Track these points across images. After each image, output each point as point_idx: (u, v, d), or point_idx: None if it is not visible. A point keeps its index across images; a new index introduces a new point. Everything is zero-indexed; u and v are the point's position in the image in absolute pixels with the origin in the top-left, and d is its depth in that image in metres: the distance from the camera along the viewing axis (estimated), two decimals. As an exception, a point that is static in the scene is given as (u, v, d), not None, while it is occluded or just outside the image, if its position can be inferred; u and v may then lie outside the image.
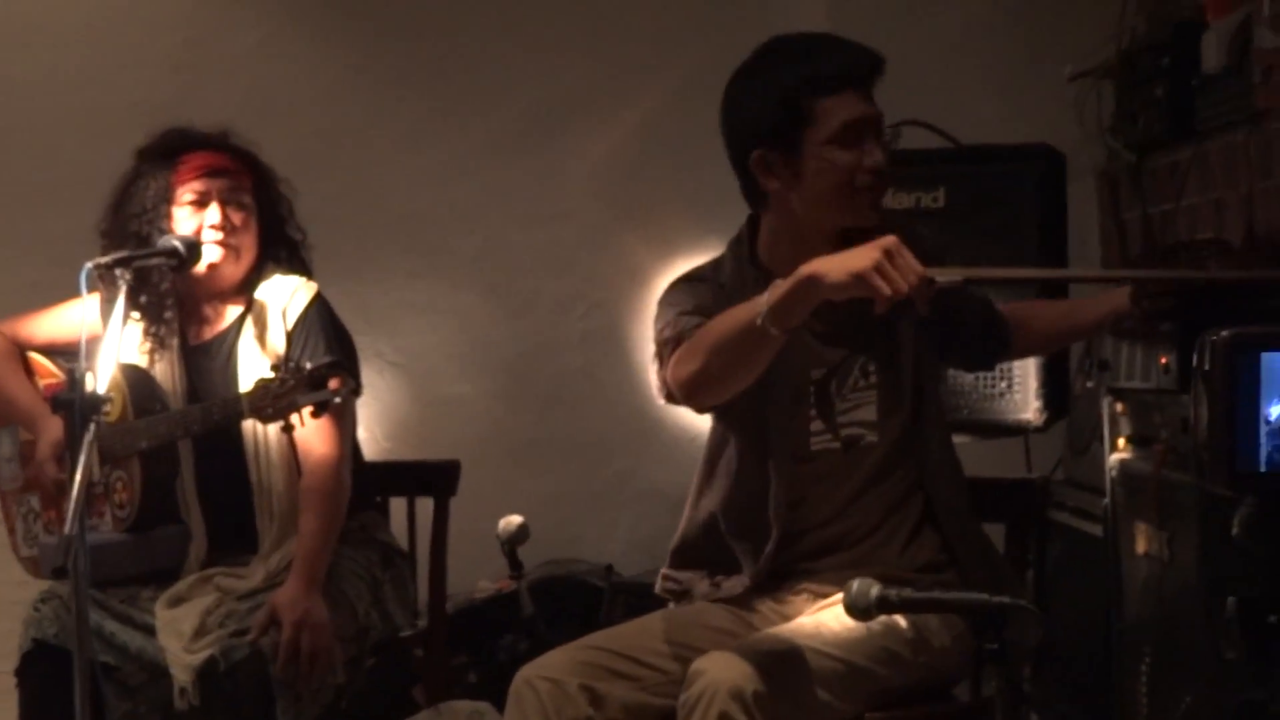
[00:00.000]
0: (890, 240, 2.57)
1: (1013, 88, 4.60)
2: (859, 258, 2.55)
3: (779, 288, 2.61)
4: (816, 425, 2.92)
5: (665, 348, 2.83)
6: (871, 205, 2.85)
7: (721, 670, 2.62)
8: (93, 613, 3.11)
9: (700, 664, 2.66)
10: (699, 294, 2.89)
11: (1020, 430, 3.71)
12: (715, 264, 2.99)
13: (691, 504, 3.03)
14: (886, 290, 2.53)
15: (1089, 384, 3.69)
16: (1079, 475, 3.93)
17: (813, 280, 2.57)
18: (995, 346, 3.07)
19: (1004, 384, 3.61)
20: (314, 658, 3.19)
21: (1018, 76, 4.62)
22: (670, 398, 2.83)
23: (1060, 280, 3.08)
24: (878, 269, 2.53)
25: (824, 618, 2.80)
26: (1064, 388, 3.69)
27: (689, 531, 3.02)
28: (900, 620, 2.80)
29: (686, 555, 3.03)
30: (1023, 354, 3.39)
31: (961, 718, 2.96)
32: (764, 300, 2.61)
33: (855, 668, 2.74)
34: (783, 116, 2.81)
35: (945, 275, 2.67)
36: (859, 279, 2.54)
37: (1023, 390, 3.60)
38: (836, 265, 2.56)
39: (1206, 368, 2.44)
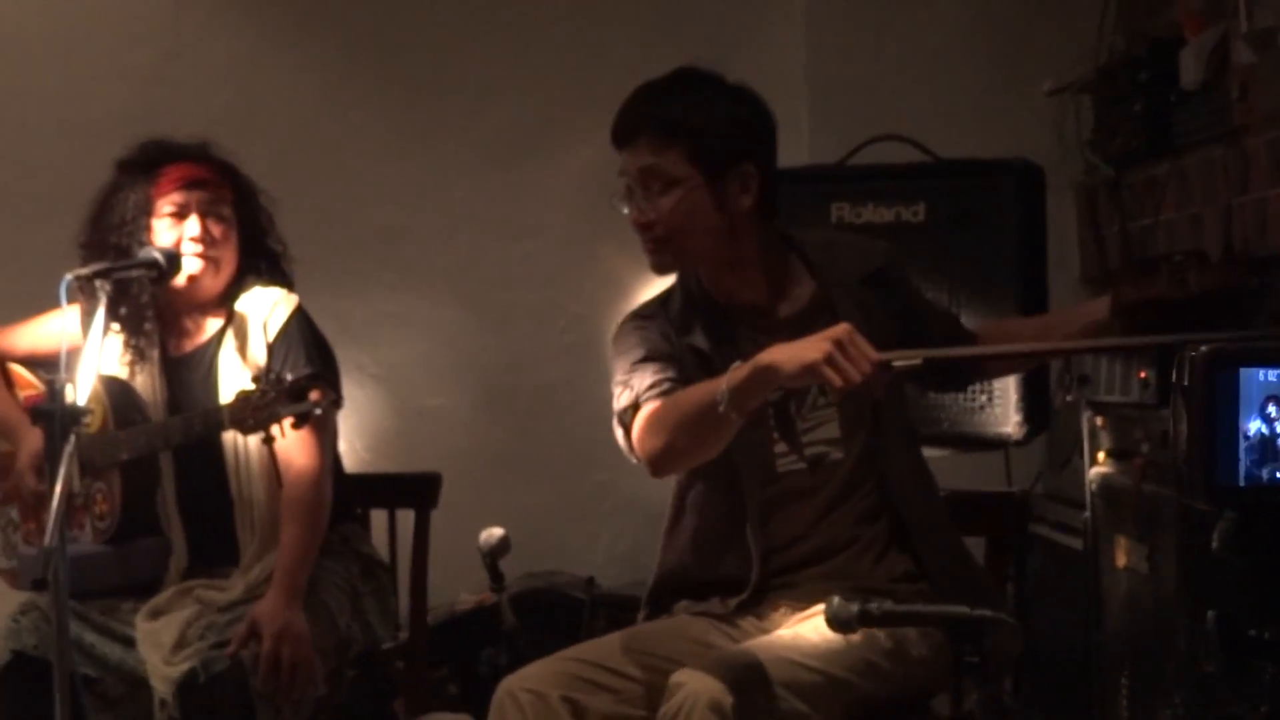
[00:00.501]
0: (842, 329, 2.63)
1: (991, 102, 4.62)
2: (810, 349, 2.62)
3: (738, 373, 2.67)
4: (780, 447, 2.94)
5: (626, 414, 2.88)
6: (648, 253, 2.91)
7: (700, 683, 2.62)
8: (72, 624, 3.09)
9: (679, 676, 2.66)
10: (649, 338, 2.94)
11: (1000, 444, 3.72)
12: (665, 296, 3.03)
13: (664, 545, 3.04)
14: (838, 381, 2.60)
15: (1069, 398, 3.70)
16: (1059, 489, 3.95)
17: (769, 370, 2.64)
18: (965, 368, 3.10)
19: (984, 397, 3.62)
20: (294, 670, 3.18)
21: (997, 91, 4.64)
22: (639, 461, 2.88)
23: (1018, 354, 3.12)
24: (828, 360, 2.60)
25: (803, 629, 2.81)
26: (1044, 401, 3.70)
27: (664, 572, 3.03)
28: (878, 631, 2.80)
29: (664, 592, 3.04)
30: (998, 374, 3.41)
31: (942, 730, 2.97)
32: (723, 384, 2.67)
33: (834, 679, 2.74)
34: None
35: (903, 358, 2.72)
36: (810, 370, 2.61)
37: (1003, 404, 3.61)
38: (790, 356, 2.63)
39: (1185, 383, 2.45)
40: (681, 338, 2.93)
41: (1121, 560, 3.39)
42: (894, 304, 2.98)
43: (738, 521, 2.92)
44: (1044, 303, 3.67)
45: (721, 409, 2.66)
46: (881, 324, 2.91)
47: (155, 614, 3.30)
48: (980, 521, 3.19)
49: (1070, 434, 3.79)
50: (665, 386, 2.85)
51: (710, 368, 2.82)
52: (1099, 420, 3.56)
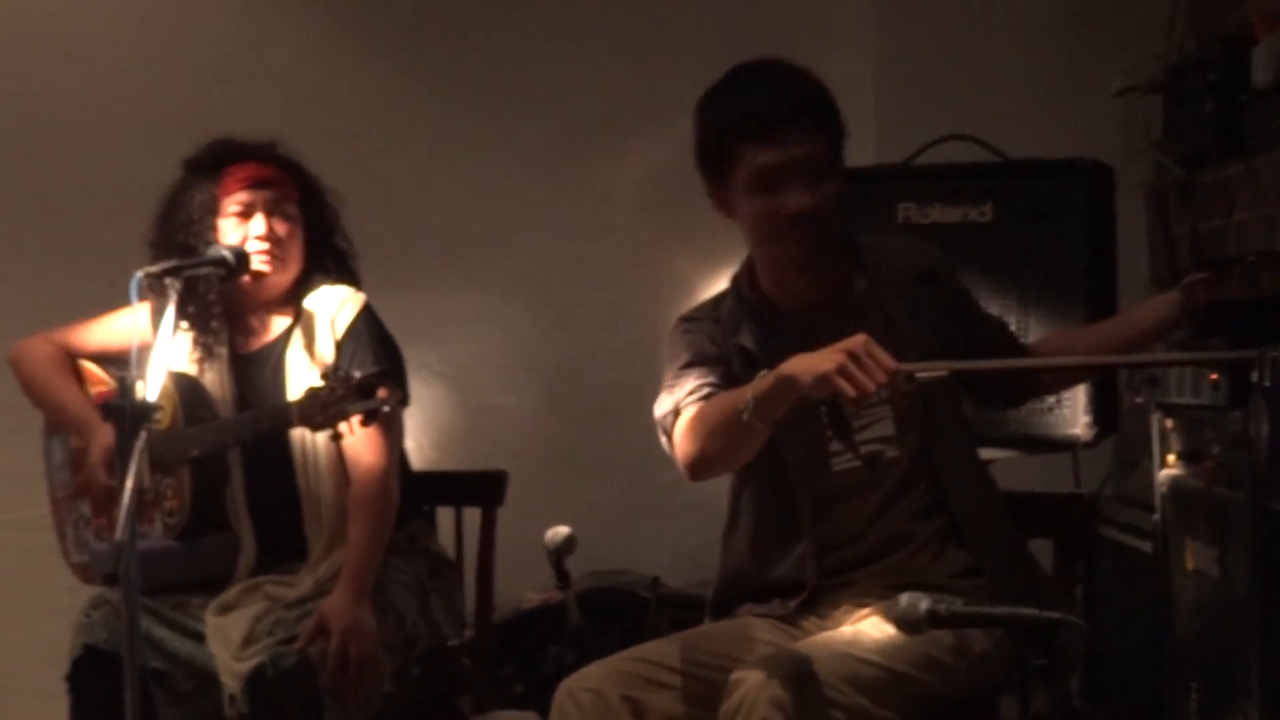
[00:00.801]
0: (857, 341, 2.62)
1: (1060, 102, 4.59)
2: (824, 360, 2.61)
3: (762, 383, 2.68)
4: (835, 446, 2.94)
5: (667, 420, 2.92)
6: (797, 244, 2.87)
7: (761, 679, 2.62)
8: (143, 619, 3.11)
9: (740, 673, 2.66)
10: (695, 342, 2.96)
11: (1069, 445, 3.68)
12: (718, 299, 3.05)
13: (724, 549, 3.06)
14: (851, 392, 2.59)
15: (1138, 399, 3.67)
16: (1128, 491, 3.92)
17: (789, 380, 2.65)
18: (1017, 384, 3.07)
19: (1053, 399, 3.58)
20: (362, 666, 3.20)
21: (1065, 91, 4.61)
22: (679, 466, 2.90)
23: (1043, 369, 3.09)
24: (840, 371, 2.59)
25: (863, 626, 2.81)
26: (1113, 403, 3.67)
27: (725, 576, 3.05)
28: (939, 626, 2.79)
29: (727, 596, 3.04)
30: (1053, 389, 3.36)
31: (1010, 733, 2.95)
32: (749, 393, 2.68)
33: (896, 673, 2.74)
34: (712, 154, 2.89)
35: (926, 370, 2.71)
36: (824, 381, 2.60)
37: (1072, 405, 3.58)
38: (806, 367, 2.63)
39: (1267, 384, 2.43)
40: (730, 338, 2.94)
41: (1191, 563, 3.36)
42: (943, 305, 2.98)
43: (793, 522, 2.93)
44: (1113, 304, 3.64)
45: (745, 417, 2.68)
46: (930, 324, 2.91)
47: (224, 609, 3.32)
48: (1049, 524, 3.17)
49: (1139, 436, 3.76)
50: (704, 392, 2.87)
51: (756, 367, 2.82)
52: (1169, 422, 3.53)
